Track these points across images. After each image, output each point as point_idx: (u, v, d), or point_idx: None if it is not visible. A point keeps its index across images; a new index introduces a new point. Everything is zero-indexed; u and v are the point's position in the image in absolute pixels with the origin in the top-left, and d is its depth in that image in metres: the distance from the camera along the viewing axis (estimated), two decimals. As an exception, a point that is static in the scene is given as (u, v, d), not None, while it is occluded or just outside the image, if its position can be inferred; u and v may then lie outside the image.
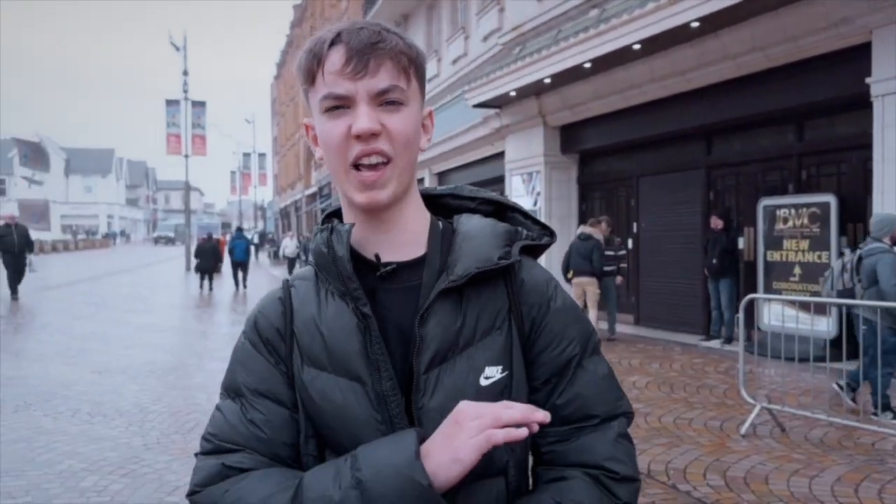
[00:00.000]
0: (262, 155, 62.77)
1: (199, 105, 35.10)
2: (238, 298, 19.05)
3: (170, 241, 72.31)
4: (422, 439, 0.93)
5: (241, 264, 21.59)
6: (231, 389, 1.09)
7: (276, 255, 37.65)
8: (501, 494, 1.03)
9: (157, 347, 10.44)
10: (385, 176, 1.01)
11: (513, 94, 13.09)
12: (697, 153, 11.28)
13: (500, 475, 1.03)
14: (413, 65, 1.04)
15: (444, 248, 1.07)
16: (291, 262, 26.48)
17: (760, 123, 10.09)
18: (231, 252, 22.10)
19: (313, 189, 44.30)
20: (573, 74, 11.68)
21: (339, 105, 1.00)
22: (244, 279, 21.67)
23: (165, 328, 12.74)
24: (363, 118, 0.98)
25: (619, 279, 10.95)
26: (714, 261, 9.89)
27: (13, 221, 17.12)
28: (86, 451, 5.40)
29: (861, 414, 5.92)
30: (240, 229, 25.76)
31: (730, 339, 9.73)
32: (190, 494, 1.04)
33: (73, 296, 18.72)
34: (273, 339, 1.09)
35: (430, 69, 19.45)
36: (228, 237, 26.49)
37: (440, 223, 1.12)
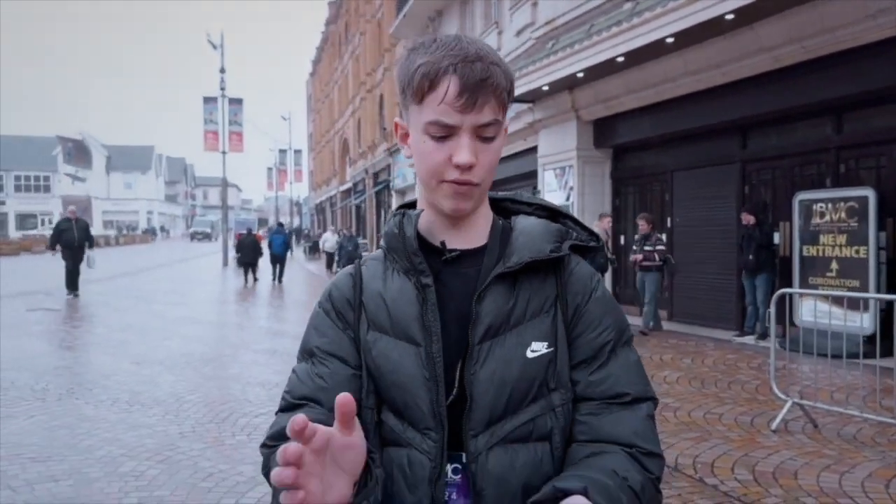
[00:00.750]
0: (297, 151, 63.35)
1: (236, 102, 35.51)
2: (274, 292, 19.31)
3: (206, 236, 71.60)
4: None
5: (279, 258, 22.14)
6: (305, 352, 1.23)
7: (311, 250, 37.98)
8: (546, 457, 1.13)
9: (194, 339, 10.66)
10: (471, 194, 1.15)
11: (546, 88, 13.06)
12: (732, 147, 11.15)
13: (544, 440, 1.13)
14: (508, 96, 1.16)
15: (502, 241, 1.21)
16: (330, 257, 26.62)
17: (797, 116, 9.94)
18: (270, 245, 22.77)
19: (348, 185, 44.60)
20: (606, 68, 11.62)
21: (444, 133, 1.11)
22: (281, 273, 22.12)
23: (202, 321, 12.99)
24: (465, 152, 1.11)
25: (657, 273, 10.88)
26: (750, 257, 9.78)
27: (74, 216, 16.57)
28: (124, 438, 5.57)
29: (896, 410, 5.83)
30: (280, 224, 26.75)
31: (764, 335, 9.61)
32: (262, 446, 1.15)
33: (114, 289, 19.13)
34: (343, 308, 1.23)
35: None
36: (266, 232, 27.29)
37: (500, 221, 1.26)
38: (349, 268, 1.29)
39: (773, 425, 5.70)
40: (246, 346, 10.16)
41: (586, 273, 1.23)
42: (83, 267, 16.50)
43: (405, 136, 1.20)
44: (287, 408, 1.18)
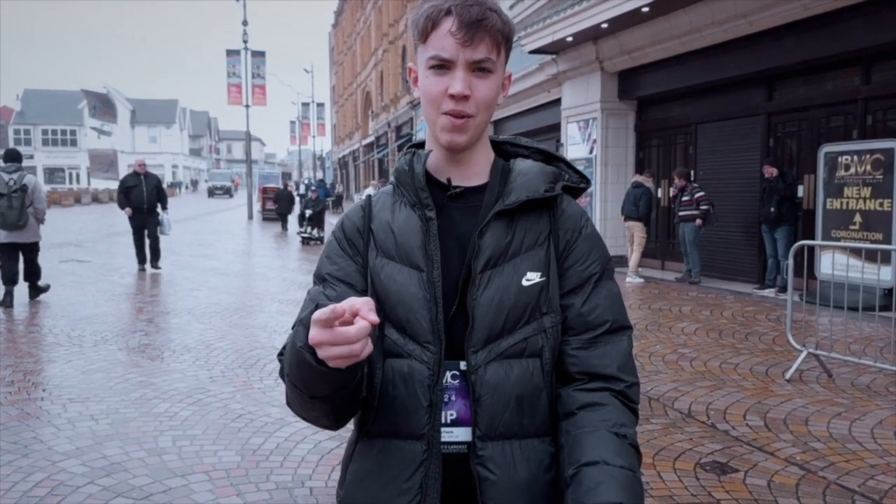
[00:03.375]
0: (320, 105, 63.19)
1: (259, 55, 35.44)
2: (304, 245, 19.56)
3: (226, 192, 64.05)
4: None
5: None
6: (318, 276, 1.38)
7: (335, 205, 38.24)
8: (537, 371, 1.27)
9: (221, 290, 10.91)
10: (466, 126, 1.26)
11: (570, 39, 12.94)
12: (758, 99, 11.03)
13: (536, 356, 1.27)
14: (505, 40, 1.27)
15: (502, 180, 1.34)
16: None
17: (825, 67, 9.80)
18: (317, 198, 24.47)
19: (370, 139, 44.53)
20: (631, 19, 11.48)
21: (442, 65, 1.24)
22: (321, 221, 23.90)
23: (229, 272, 13.24)
24: (459, 82, 1.23)
25: (697, 222, 11.01)
26: (772, 209, 9.77)
27: (143, 170, 13.03)
28: (157, 382, 5.81)
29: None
30: (321, 180, 30.26)
31: (785, 288, 9.63)
32: (279, 355, 1.29)
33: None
34: (353, 237, 1.37)
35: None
36: (298, 186, 29.53)
37: (500, 162, 1.39)
38: (361, 200, 1.43)
39: (788, 375, 5.80)
40: (272, 297, 10.38)
41: (576, 212, 1.36)
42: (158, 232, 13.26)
43: (416, 79, 1.32)
44: (297, 323, 1.29)
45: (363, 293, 1.32)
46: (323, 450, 4.34)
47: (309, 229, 20.15)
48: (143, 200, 12.86)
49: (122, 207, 13.01)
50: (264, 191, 30.82)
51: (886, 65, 9.09)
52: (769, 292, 9.96)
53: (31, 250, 9.46)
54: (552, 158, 1.43)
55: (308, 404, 1.17)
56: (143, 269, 12.96)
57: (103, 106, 68.79)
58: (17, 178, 9.08)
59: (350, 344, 1.02)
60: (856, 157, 8.75)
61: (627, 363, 1.29)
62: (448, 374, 1.27)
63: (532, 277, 1.27)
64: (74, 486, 3.78)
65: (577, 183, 1.40)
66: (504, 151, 1.44)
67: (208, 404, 5.23)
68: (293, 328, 1.29)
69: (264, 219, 29.15)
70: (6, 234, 9.05)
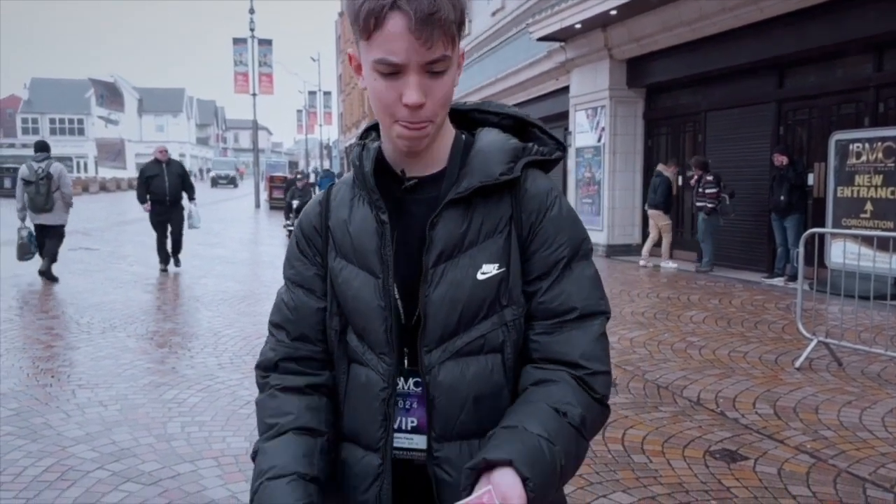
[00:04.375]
0: (327, 93, 63.09)
1: (266, 43, 35.39)
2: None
3: (230, 181, 59.66)
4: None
5: None
6: (284, 278, 1.35)
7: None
8: (497, 368, 1.21)
9: (229, 277, 10.93)
10: (424, 133, 1.15)
11: (578, 26, 12.85)
12: (768, 86, 10.94)
13: (496, 352, 1.20)
14: (458, 28, 1.13)
15: (462, 162, 1.22)
16: None
17: (836, 54, 9.70)
18: (319, 188, 25.22)
19: (378, 127, 44.39)
20: (640, 5, 11.39)
21: (393, 71, 1.09)
22: None
23: (235, 260, 13.27)
24: (413, 91, 1.09)
25: (704, 213, 11.04)
26: (781, 197, 9.71)
27: (165, 157, 11.45)
28: (165, 369, 5.82)
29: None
30: (327, 169, 31.37)
31: (794, 277, 9.58)
32: (257, 367, 1.35)
33: (149, 230, 19.46)
34: (311, 236, 1.30)
35: (495, 2, 19.14)
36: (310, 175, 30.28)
37: (463, 137, 1.26)
38: (320, 194, 1.34)
39: (798, 363, 5.77)
40: (280, 284, 10.36)
41: (542, 190, 1.23)
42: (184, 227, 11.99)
43: (359, 67, 1.18)
44: (270, 325, 1.35)
45: (322, 298, 1.29)
46: (331, 436, 4.33)
47: (296, 222, 19.34)
48: (164, 191, 11.34)
49: (142, 201, 11.49)
50: (271, 179, 30.86)
51: (898, 52, 9.01)
52: (778, 281, 9.91)
53: (56, 233, 10.36)
54: (525, 124, 1.30)
55: None
56: (164, 270, 11.45)
57: (110, 95, 68.95)
58: (44, 167, 9.99)
59: None
60: (867, 145, 8.67)
61: (594, 350, 1.18)
62: (411, 381, 1.22)
63: (488, 270, 1.18)
64: (84, 471, 3.79)
65: (549, 154, 1.27)
66: (472, 119, 1.32)
67: (217, 391, 5.23)
68: (269, 325, 1.36)
69: (272, 207, 29.15)
70: (35, 216, 10.07)
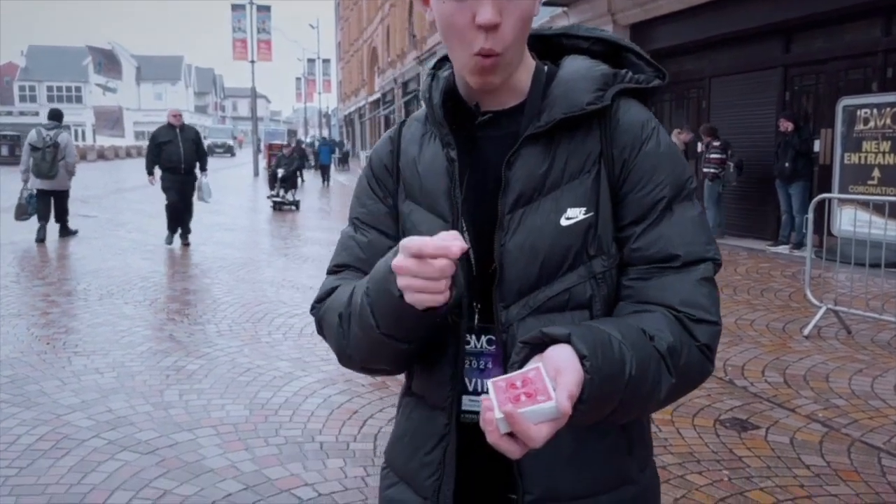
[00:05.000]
0: (326, 61, 62.47)
1: (264, 10, 34.93)
2: (323, 196, 19.59)
3: (227, 150, 57.59)
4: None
5: (325, 166, 27.25)
6: (351, 218, 1.24)
7: (340, 161, 38.15)
8: None
9: (228, 245, 10.82)
10: (500, 64, 1.02)
11: (581, -10, 12.59)
12: (775, 51, 10.72)
13: (583, 308, 1.06)
14: None
15: (543, 94, 1.08)
16: None
17: (844, 18, 9.48)
18: (317, 156, 27.65)
19: (377, 95, 44.01)
20: (646, -32, 11.13)
21: None
22: (328, 177, 27.30)
23: (235, 227, 13.15)
24: (487, 8, 0.97)
25: (708, 179, 10.91)
26: (786, 164, 9.56)
27: (179, 121, 10.47)
28: (163, 336, 5.73)
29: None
30: (324, 138, 32.52)
31: (799, 245, 9.49)
32: (311, 309, 1.20)
33: (148, 197, 19.28)
34: (382, 176, 1.20)
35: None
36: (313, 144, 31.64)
37: (546, 68, 1.12)
38: (391, 130, 1.23)
39: (806, 331, 5.68)
40: (279, 252, 10.29)
41: (636, 121, 1.08)
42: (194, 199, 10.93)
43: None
44: (331, 272, 1.21)
45: (396, 240, 1.15)
46: (333, 404, 4.26)
47: (282, 192, 16.64)
48: (179, 159, 10.24)
49: (150, 171, 10.49)
50: (270, 147, 30.65)
51: (909, 15, 8.80)
52: (783, 249, 9.80)
53: (61, 197, 11.07)
54: (619, 49, 1.15)
55: (378, 346, 1.04)
56: (170, 243, 10.46)
57: (108, 62, 68.28)
58: (52, 136, 10.52)
59: (431, 280, 0.90)
60: (875, 111, 8.51)
61: (696, 296, 1.01)
62: (484, 339, 1.09)
63: (574, 215, 1.03)
64: (79, 439, 3.71)
65: (645, 82, 1.11)
66: (558, 46, 1.17)
67: (215, 358, 5.15)
68: (328, 274, 1.21)
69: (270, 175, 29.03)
70: (40, 182, 10.54)
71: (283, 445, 3.66)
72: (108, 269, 8.55)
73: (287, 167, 16.95)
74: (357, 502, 3.11)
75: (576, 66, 1.10)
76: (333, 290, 1.16)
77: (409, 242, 0.89)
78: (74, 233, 11.37)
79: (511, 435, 0.83)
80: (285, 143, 23.54)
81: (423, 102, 1.17)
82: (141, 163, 12.03)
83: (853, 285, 6.51)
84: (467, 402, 1.10)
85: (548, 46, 1.18)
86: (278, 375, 4.77)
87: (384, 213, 1.18)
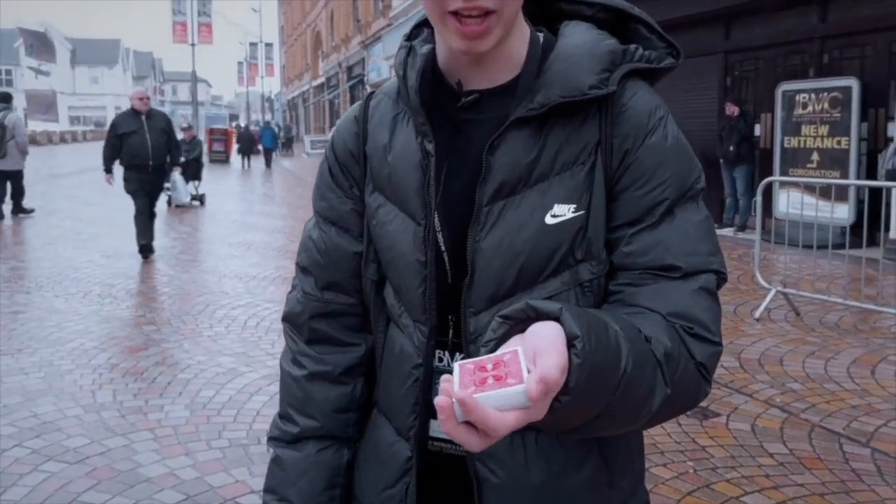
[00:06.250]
0: (268, 45, 61.37)
1: (204, -9, 34.07)
2: (266, 177, 19.92)
3: None
4: None
5: (269, 150, 28.23)
6: (314, 211, 1.10)
7: (284, 146, 37.65)
8: None
9: (167, 233, 10.41)
10: (489, 27, 0.85)
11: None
12: (715, 38, 10.84)
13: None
14: None
15: (539, 70, 0.91)
16: None
17: (782, 5, 9.64)
18: (260, 140, 28.69)
19: (321, 80, 43.39)
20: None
21: None
22: (270, 161, 28.00)
23: (174, 214, 12.68)
24: None
25: None
26: (731, 148, 9.68)
27: (146, 106, 8.29)
28: (97, 330, 5.42)
29: (878, 298, 5.82)
30: (267, 122, 32.77)
31: (743, 227, 9.61)
32: (282, 320, 1.12)
33: (83, 184, 18.57)
34: (347, 162, 1.04)
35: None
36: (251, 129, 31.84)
37: (541, 37, 0.95)
38: (356, 107, 1.05)
39: (757, 314, 5.69)
40: (220, 240, 9.95)
41: (643, 108, 0.91)
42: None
43: None
44: (297, 274, 1.10)
45: (359, 239, 1.03)
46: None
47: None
48: (147, 153, 8.07)
49: (108, 168, 8.47)
50: (211, 132, 30.02)
51: (842, 3, 8.96)
52: (728, 231, 9.89)
53: (15, 177, 11.64)
54: (627, 19, 0.96)
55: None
56: (146, 258, 8.20)
57: (40, 45, 65.64)
58: (0, 117, 10.98)
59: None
60: (813, 96, 8.68)
61: (694, 310, 0.85)
62: (459, 357, 0.93)
63: (562, 212, 0.88)
64: None
65: (657, 61, 0.95)
66: (558, 11, 0.98)
67: (154, 354, 4.88)
68: (297, 269, 1.09)
69: (212, 161, 28.27)
70: None
71: (226, 449, 3.44)
72: (37, 261, 8.13)
73: (188, 154, 13.54)
74: (306, 507, 2.92)
75: (579, 38, 0.92)
76: (305, 325, 1.07)
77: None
78: (31, 211, 11.87)
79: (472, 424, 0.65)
80: (188, 126, 16.23)
81: (396, 79, 0.99)
82: (76, 148, 12.06)
83: (800, 267, 6.57)
84: (436, 428, 0.94)
85: (544, 11, 0.99)
86: (221, 372, 4.52)
87: (347, 211, 1.04)
